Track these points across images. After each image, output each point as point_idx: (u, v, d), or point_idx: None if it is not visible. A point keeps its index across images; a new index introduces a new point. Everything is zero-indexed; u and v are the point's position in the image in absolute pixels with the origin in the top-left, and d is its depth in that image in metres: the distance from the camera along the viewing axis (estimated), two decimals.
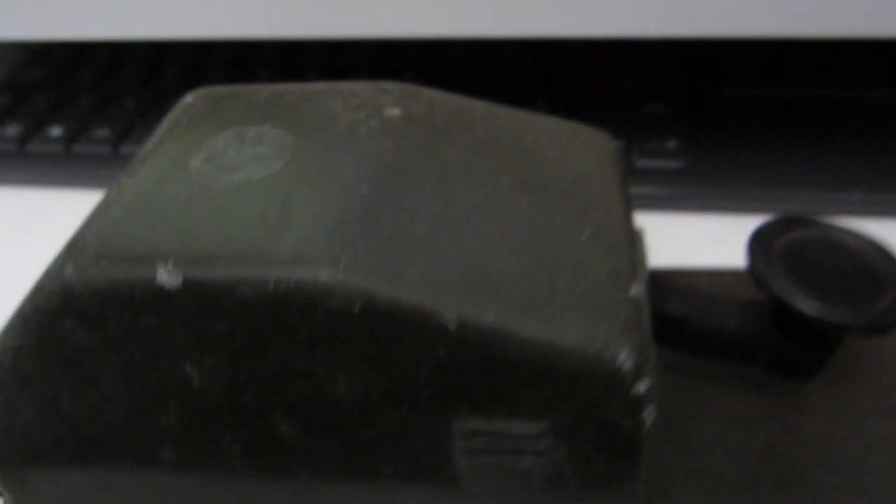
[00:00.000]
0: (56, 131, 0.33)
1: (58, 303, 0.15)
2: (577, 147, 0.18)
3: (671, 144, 0.28)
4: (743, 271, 0.18)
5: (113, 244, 0.15)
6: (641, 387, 0.14)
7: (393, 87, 0.18)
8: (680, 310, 0.17)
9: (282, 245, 0.14)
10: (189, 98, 0.19)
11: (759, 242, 0.17)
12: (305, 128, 0.17)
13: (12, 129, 0.33)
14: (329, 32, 0.26)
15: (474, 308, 0.14)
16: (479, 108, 0.19)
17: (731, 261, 0.21)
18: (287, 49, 0.38)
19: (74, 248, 0.15)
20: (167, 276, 0.14)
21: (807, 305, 0.16)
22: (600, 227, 0.16)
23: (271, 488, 0.16)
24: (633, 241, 0.17)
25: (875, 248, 0.17)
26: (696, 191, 0.26)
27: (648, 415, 0.14)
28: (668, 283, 0.18)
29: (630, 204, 0.18)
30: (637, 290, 0.15)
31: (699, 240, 0.25)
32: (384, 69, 0.36)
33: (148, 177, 0.17)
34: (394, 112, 0.18)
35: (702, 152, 0.28)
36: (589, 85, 0.33)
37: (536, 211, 0.16)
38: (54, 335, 0.15)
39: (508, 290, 0.14)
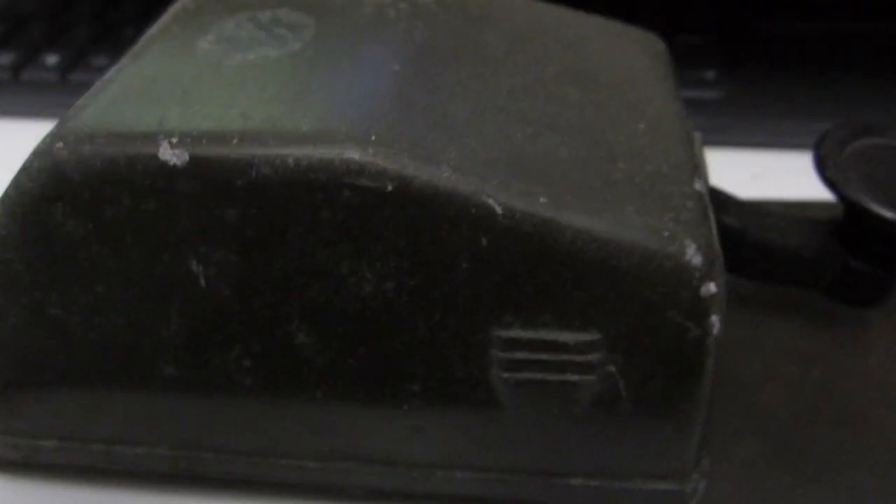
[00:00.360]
0: (52, 59, 0.31)
1: (46, 184, 0.13)
2: (624, 44, 0.17)
3: (709, 75, 0.26)
4: (790, 202, 0.16)
5: (111, 121, 0.13)
6: (711, 286, 0.12)
7: None
8: (739, 222, 0.16)
9: (303, 121, 0.13)
10: None
11: (828, 146, 0.15)
12: (328, 10, 0.15)
13: (6, 58, 0.31)
14: None
15: (523, 193, 0.12)
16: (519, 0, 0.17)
17: (771, 196, 0.19)
18: None
19: (66, 126, 0.13)
20: (171, 153, 0.12)
21: (882, 209, 0.14)
22: (656, 121, 0.14)
23: (284, 412, 0.15)
24: (691, 139, 0.15)
25: None
26: (736, 122, 0.25)
27: (717, 322, 0.12)
28: (725, 195, 0.16)
29: (683, 105, 0.16)
30: (700, 185, 0.13)
31: (739, 174, 0.23)
32: None
33: (151, 57, 0.15)
34: None
35: (741, 84, 0.26)
36: (622, 15, 0.31)
37: (586, 100, 0.14)
38: (42, 224, 0.13)
39: (561, 177, 0.12)
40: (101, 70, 0.30)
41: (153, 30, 0.16)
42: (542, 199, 0.12)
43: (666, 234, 0.12)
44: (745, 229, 0.16)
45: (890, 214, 0.15)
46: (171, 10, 0.17)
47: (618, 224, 0.12)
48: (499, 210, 0.12)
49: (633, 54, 0.16)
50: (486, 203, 0.12)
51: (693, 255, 0.12)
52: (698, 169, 0.14)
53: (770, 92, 0.26)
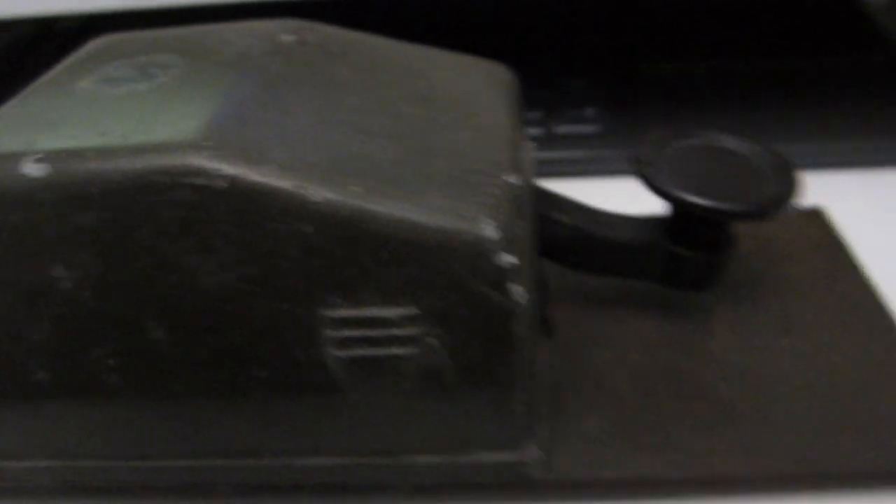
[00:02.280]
0: None
1: None
2: (469, 73, 0.19)
3: (588, 112, 0.30)
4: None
5: None
6: (509, 257, 0.14)
7: (293, 21, 0.19)
8: (571, 219, 0.18)
9: (151, 137, 0.15)
10: (92, 41, 0.20)
11: (646, 151, 0.18)
12: (199, 52, 0.18)
13: None
14: None
15: (339, 185, 0.14)
16: (378, 40, 0.19)
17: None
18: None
19: None
20: (34, 168, 0.14)
21: (696, 197, 0.17)
22: (481, 131, 0.17)
23: (150, 410, 0.16)
24: (518, 146, 0.17)
25: (758, 149, 0.18)
26: (612, 153, 0.28)
27: (519, 291, 0.14)
28: (563, 198, 0.18)
29: (520, 122, 0.18)
30: (514, 179, 0.15)
31: (617, 198, 0.25)
32: None
33: (33, 97, 0.17)
34: (288, 38, 0.18)
35: (616, 119, 0.30)
36: (512, 62, 0.35)
37: (418, 115, 0.17)
38: None
39: (378, 173, 0.15)
40: None
41: (44, 77, 0.19)
42: (355, 190, 0.14)
43: (466, 214, 0.14)
44: (577, 226, 0.18)
45: (703, 201, 0.17)
46: (65, 60, 0.19)
47: (423, 208, 0.14)
48: (318, 200, 0.14)
49: (476, 81, 0.19)
50: (307, 195, 0.14)
51: (490, 231, 0.14)
52: (516, 167, 0.16)
53: (642, 124, 0.29)
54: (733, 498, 0.16)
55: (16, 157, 0.15)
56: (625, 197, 0.22)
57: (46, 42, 0.40)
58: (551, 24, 0.38)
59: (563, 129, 0.30)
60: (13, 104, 0.17)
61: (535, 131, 0.30)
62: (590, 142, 0.29)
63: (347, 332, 0.15)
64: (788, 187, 0.17)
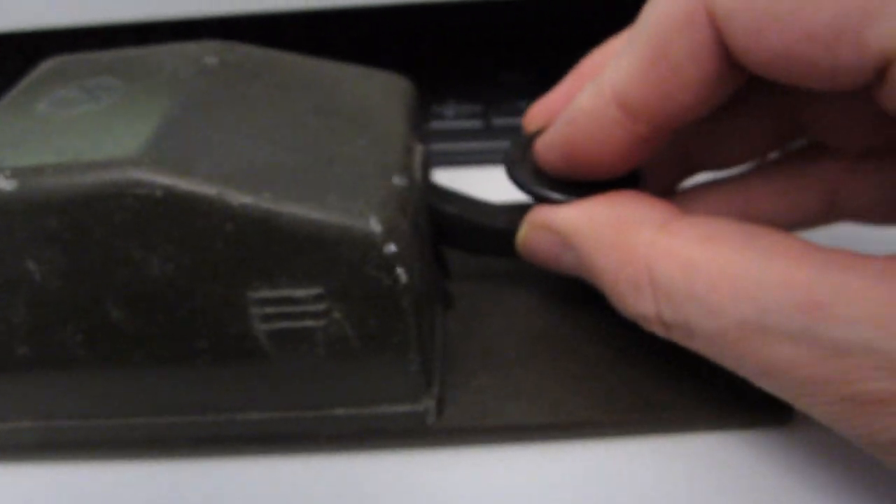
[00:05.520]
0: None
1: None
2: (371, 85, 0.23)
3: (523, 105, 0.34)
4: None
5: None
6: (392, 247, 0.18)
7: (216, 43, 0.23)
8: (456, 209, 0.22)
9: (100, 154, 0.18)
10: (45, 63, 0.24)
11: (512, 152, 0.22)
12: (137, 75, 0.22)
13: None
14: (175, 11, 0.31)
15: (253, 191, 0.18)
16: (290, 57, 0.23)
17: None
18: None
19: None
20: (4, 183, 0.18)
21: (552, 193, 0.20)
22: (377, 138, 0.21)
23: (112, 376, 0.20)
24: (410, 151, 0.21)
25: None
26: None
27: (402, 273, 0.18)
28: (451, 192, 0.22)
29: (414, 128, 0.22)
30: (400, 180, 0.19)
31: None
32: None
33: None
34: (212, 60, 0.22)
35: None
36: (450, 58, 0.39)
37: (323, 127, 0.20)
38: None
39: (285, 180, 0.18)
40: None
41: (4, 99, 0.22)
42: (266, 194, 0.18)
43: (356, 211, 0.18)
44: (461, 214, 0.22)
45: (555, 195, 0.21)
46: (23, 81, 0.23)
47: (322, 208, 0.18)
48: (235, 204, 0.18)
49: (376, 92, 0.23)
50: (226, 200, 0.18)
51: (375, 225, 0.18)
52: (405, 169, 0.20)
53: None
54: (594, 440, 0.21)
55: None
56: None
57: None
58: (489, 22, 0.42)
59: (500, 121, 0.34)
60: None
61: (475, 123, 0.34)
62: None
63: (269, 310, 0.19)
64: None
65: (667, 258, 0.18)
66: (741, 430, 0.21)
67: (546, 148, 0.20)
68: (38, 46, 0.44)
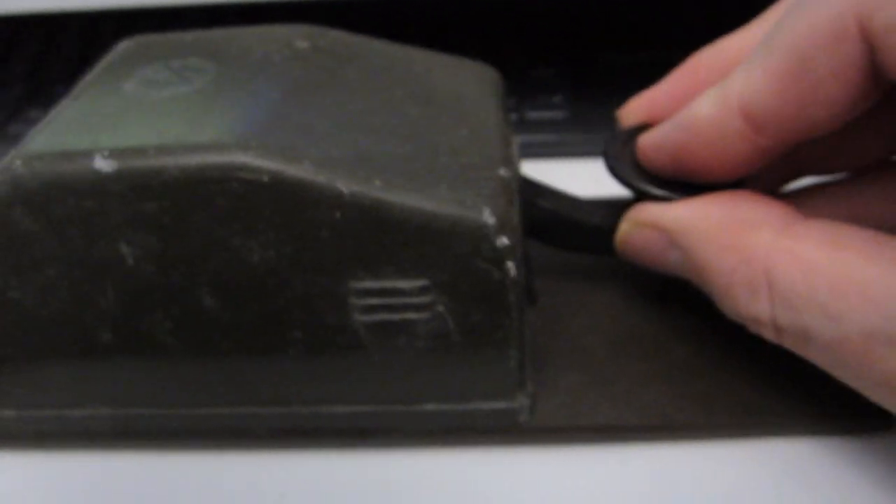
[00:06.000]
0: None
1: (7, 193, 0.18)
2: (461, 74, 0.22)
3: (557, 99, 0.34)
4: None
5: (56, 144, 0.18)
6: (504, 239, 0.17)
7: (303, 27, 0.22)
8: (551, 205, 0.21)
9: (202, 137, 0.18)
10: (123, 44, 0.23)
11: (612, 146, 0.21)
12: (226, 57, 0.21)
13: None
14: None
15: (363, 179, 0.17)
16: (379, 44, 0.23)
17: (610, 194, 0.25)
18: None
19: (22, 149, 0.18)
20: (103, 163, 0.17)
21: (654, 188, 0.20)
22: (476, 129, 0.20)
23: (200, 365, 0.19)
24: (507, 141, 0.20)
25: None
26: (579, 137, 0.32)
27: (512, 266, 0.18)
28: (544, 186, 0.22)
29: (507, 119, 0.22)
30: (505, 172, 0.19)
31: (583, 179, 0.29)
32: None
33: (86, 98, 0.20)
34: (303, 44, 0.21)
35: (583, 105, 0.34)
36: (488, 53, 0.39)
37: (422, 114, 0.20)
38: (4, 223, 0.18)
39: (393, 169, 0.18)
40: (35, 122, 0.35)
41: (88, 77, 0.22)
42: (377, 183, 0.17)
43: (469, 203, 0.17)
44: (557, 210, 0.21)
45: (659, 192, 0.20)
46: (102, 62, 0.22)
47: (433, 198, 0.17)
48: (346, 192, 0.17)
49: (467, 81, 0.22)
50: (336, 188, 0.17)
51: (489, 217, 0.17)
52: (507, 161, 0.19)
53: (608, 110, 0.32)
54: (684, 442, 0.20)
55: (87, 153, 0.18)
56: (589, 177, 0.26)
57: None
58: (523, 16, 0.42)
59: (534, 114, 0.34)
60: (67, 105, 0.20)
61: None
62: (558, 126, 0.33)
63: (370, 301, 0.18)
64: None
65: (788, 261, 0.17)
66: (838, 435, 0.20)
67: (653, 148, 0.20)
68: (53, 28, 0.44)
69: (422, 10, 0.42)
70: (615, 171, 0.21)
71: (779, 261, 0.17)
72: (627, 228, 0.21)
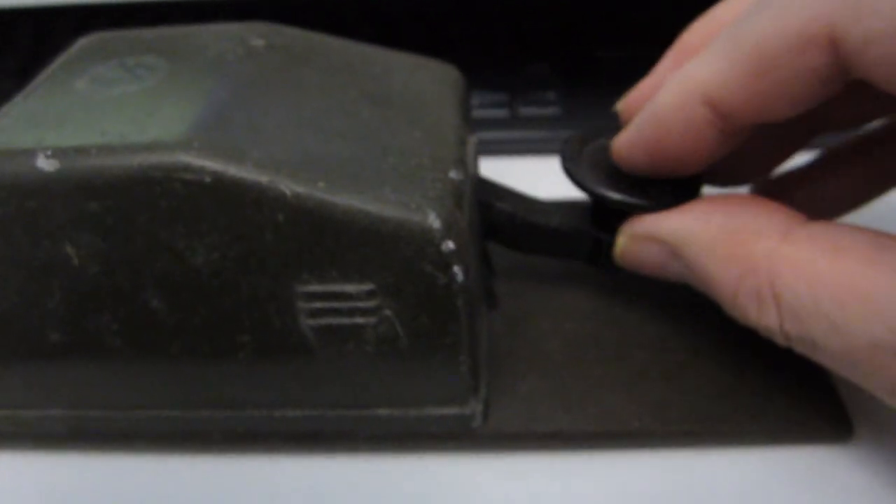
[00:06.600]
0: None
1: None
2: (421, 74, 0.22)
3: (550, 95, 0.33)
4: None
5: (1, 142, 0.18)
6: (450, 244, 0.17)
7: (261, 25, 0.22)
8: (510, 207, 0.21)
9: (145, 136, 0.18)
10: (81, 40, 0.23)
11: (569, 148, 0.21)
12: (180, 55, 0.21)
13: None
14: None
15: (307, 180, 0.17)
16: (337, 42, 0.22)
17: None
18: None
19: None
20: (45, 163, 0.17)
21: (609, 192, 0.20)
22: (431, 130, 0.20)
23: (149, 367, 0.19)
24: (463, 144, 0.20)
25: None
26: (571, 133, 0.31)
27: (459, 271, 0.17)
28: (502, 188, 0.22)
29: (466, 120, 0.21)
30: (456, 174, 0.19)
31: None
32: None
33: (36, 95, 0.20)
34: (258, 42, 0.21)
35: (575, 101, 0.33)
36: (478, 49, 0.38)
37: (375, 115, 0.20)
38: None
39: (339, 171, 0.18)
40: None
41: (42, 74, 0.21)
42: (321, 185, 0.17)
43: (414, 206, 0.17)
44: (514, 212, 0.21)
45: (615, 196, 0.20)
46: (59, 58, 0.22)
47: (378, 201, 0.17)
48: (288, 193, 0.17)
49: (427, 81, 0.22)
50: (279, 189, 0.17)
51: (434, 221, 0.17)
52: (460, 163, 0.19)
53: (601, 107, 0.32)
54: (642, 450, 0.20)
55: (30, 152, 0.18)
56: None
57: None
58: (516, 12, 0.41)
59: (526, 110, 0.34)
60: (18, 102, 0.20)
61: (500, 113, 0.33)
62: (551, 123, 0.33)
63: (317, 304, 0.18)
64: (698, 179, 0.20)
65: (791, 271, 0.17)
66: (798, 445, 0.20)
67: (627, 147, 0.20)
68: (51, 23, 0.44)
69: (413, 6, 0.41)
70: (572, 175, 0.20)
71: (781, 270, 0.17)
72: (625, 242, 0.20)
